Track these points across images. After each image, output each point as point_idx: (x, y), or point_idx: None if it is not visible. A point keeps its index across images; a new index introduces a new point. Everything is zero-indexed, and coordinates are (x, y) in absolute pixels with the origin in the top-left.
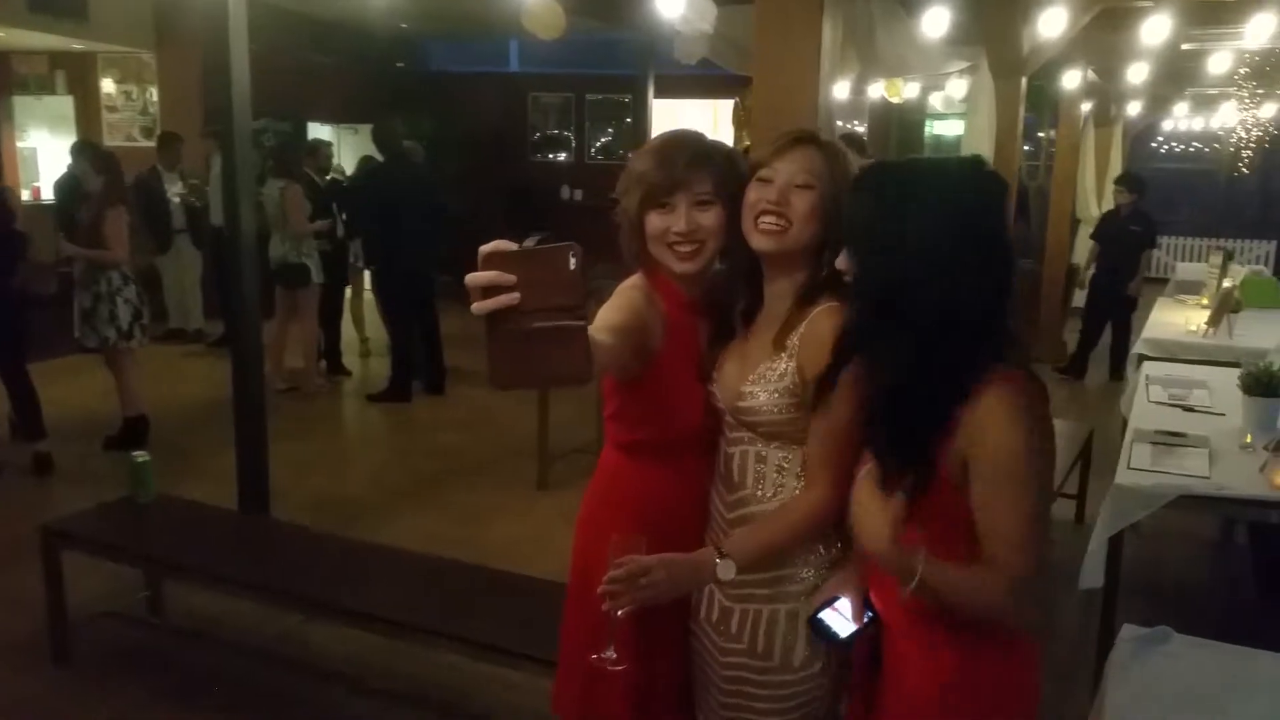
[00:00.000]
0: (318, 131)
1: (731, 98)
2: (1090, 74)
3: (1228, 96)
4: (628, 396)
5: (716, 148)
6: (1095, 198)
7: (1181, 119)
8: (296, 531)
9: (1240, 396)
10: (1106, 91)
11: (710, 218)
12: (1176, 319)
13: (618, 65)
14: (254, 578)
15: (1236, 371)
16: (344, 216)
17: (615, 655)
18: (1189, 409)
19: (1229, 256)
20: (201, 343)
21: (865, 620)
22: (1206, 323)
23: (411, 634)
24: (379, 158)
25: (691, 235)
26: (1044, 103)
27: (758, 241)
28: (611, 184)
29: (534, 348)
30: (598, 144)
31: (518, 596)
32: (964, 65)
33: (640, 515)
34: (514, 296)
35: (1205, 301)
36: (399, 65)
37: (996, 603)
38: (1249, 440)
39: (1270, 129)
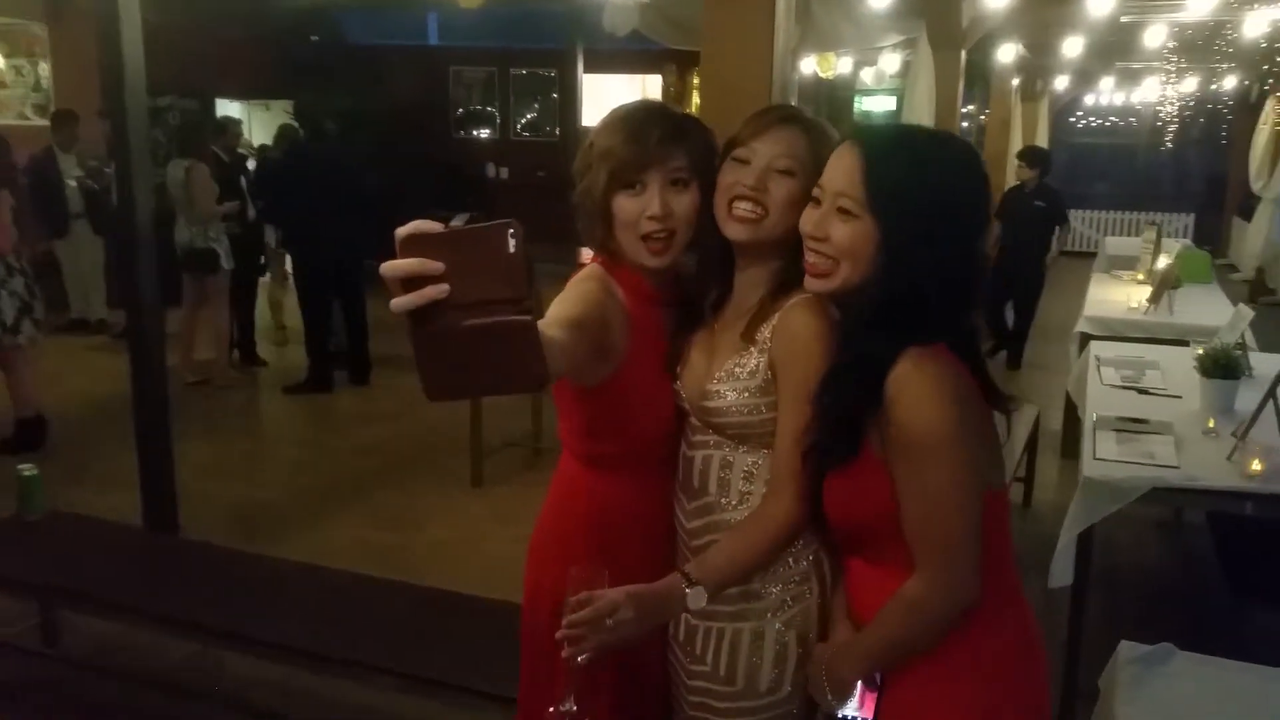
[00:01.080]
0: (227, 109)
1: (663, 73)
2: (1020, 49)
3: (1151, 71)
4: (589, 405)
5: (690, 120)
6: None
7: (1104, 94)
8: (207, 550)
9: (1195, 378)
10: (1034, 66)
11: (685, 201)
12: (1117, 296)
13: (542, 39)
14: (159, 606)
15: (1185, 350)
16: (258, 200)
17: (575, 708)
18: (1144, 391)
19: (1161, 232)
20: (105, 334)
21: (876, 687)
22: (1148, 300)
23: (342, 668)
24: (300, 134)
25: (666, 220)
26: (975, 78)
27: (731, 229)
28: (539, 161)
29: (473, 350)
30: (523, 120)
31: (465, 619)
32: (898, 39)
33: (604, 533)
34: (442, 289)
35: (1141, 277)
36: (313, 38)
37: (936, 621)
38: (1212, 425)
39: (1188, 103)
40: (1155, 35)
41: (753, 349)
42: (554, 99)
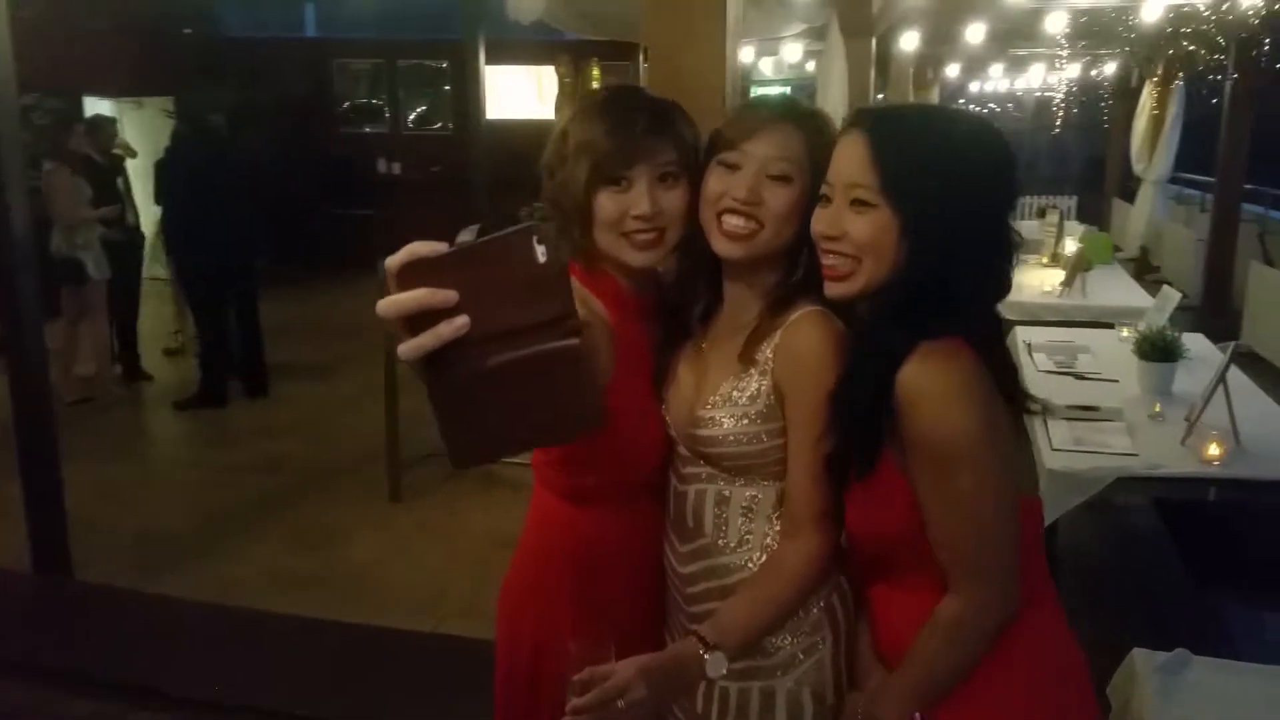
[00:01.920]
0: (97, 107)
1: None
2: (918, 36)
3: (1038, 58)
4: None
5: (675, 108)
6: None
7: (990, 81)
8: (105, 594)
9: (1128, 361)
10: (927, 55)
11: (675, 198)
12: (1030, 280)
13: (430, 29)
14: (53, 661)
15: (1111, 333)
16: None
17: None
18: (1080, 376)
19: (1064, 215)
20: None
21: None
22: (1062, 283)
23: None
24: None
25: (655, 219)
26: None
27: (721, 246)
28: (433, 156)
29: (509, 393)
30: (415, 113)
31: (404, 659)
32: (802, 27)
33: (588, 574)
34: (460, 322)
35: (1046, 260)
36: (185, 31)
37: (978, 641)
38: (1158, 409)
39: (1072, 88)
40: (1056, 21)
41: (753, 371)
42: (446, 91)
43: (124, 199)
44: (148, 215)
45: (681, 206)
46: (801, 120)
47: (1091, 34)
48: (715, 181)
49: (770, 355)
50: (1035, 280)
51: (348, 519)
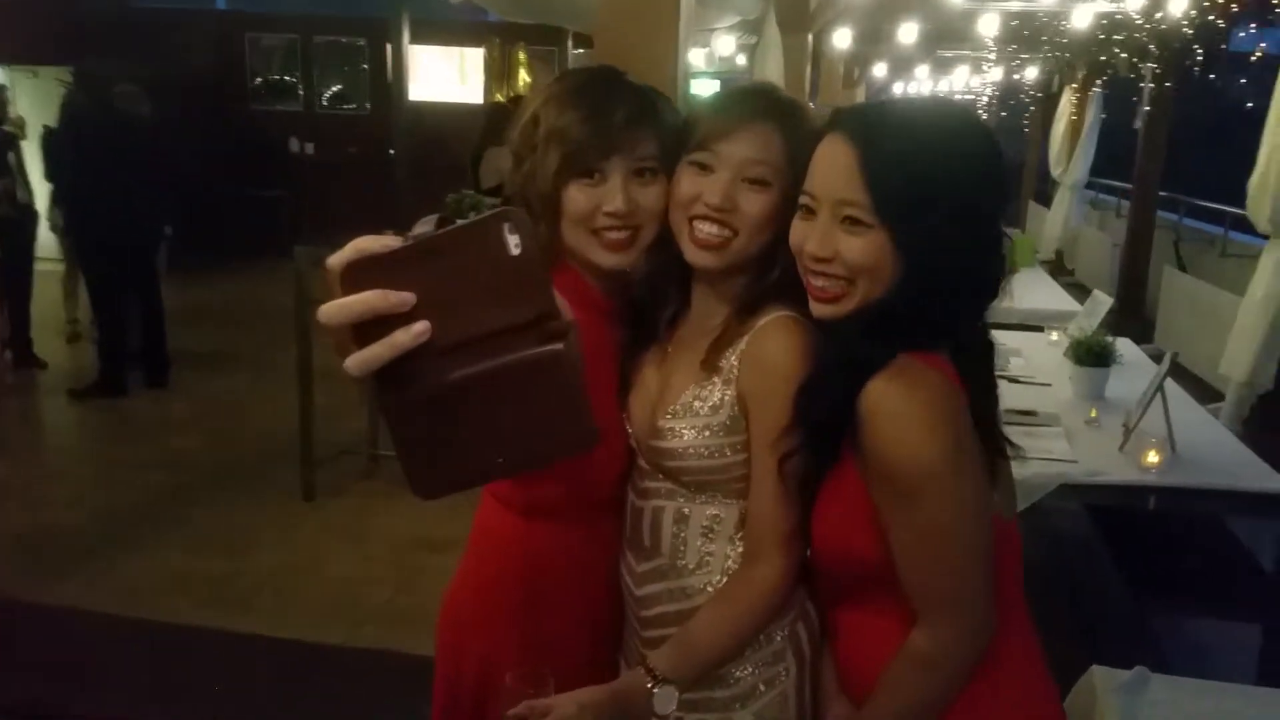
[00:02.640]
0: None
1: (485, 47)
2: (851, 34)
3: (963, 60)
4: None
5: (659, 97)
6: None
7: (914, 82)
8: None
9: (1060, 365)
10: (856, 54)
11: (652, 194)
12: None
13: (349, 5)
14: None
15: (1041, 336)
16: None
17: None
18: (1013, 380)
19: None
20: None
21: None
22: None
23: None
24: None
25: (628, 217)
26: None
27: (693, 255)
28: (349, 136)
29: (481, 409)
30: (330, 92)
31: (329, 676)
32: (736, 20)
33: (538, 592)
34: (418, 328)
35: None
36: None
37: (952, 675)
38: (1094, 415)
39: (995, 92)
40: (989, 23)
41: (716, 380)
42: (364, 70)
43: (15, 174)
44: (42, 191)
45: (658, 204)
46: (781, 118)
47: (1021, 38)
48: (687, 183)
49: (735, 363)
50: None
51: (257, 520)
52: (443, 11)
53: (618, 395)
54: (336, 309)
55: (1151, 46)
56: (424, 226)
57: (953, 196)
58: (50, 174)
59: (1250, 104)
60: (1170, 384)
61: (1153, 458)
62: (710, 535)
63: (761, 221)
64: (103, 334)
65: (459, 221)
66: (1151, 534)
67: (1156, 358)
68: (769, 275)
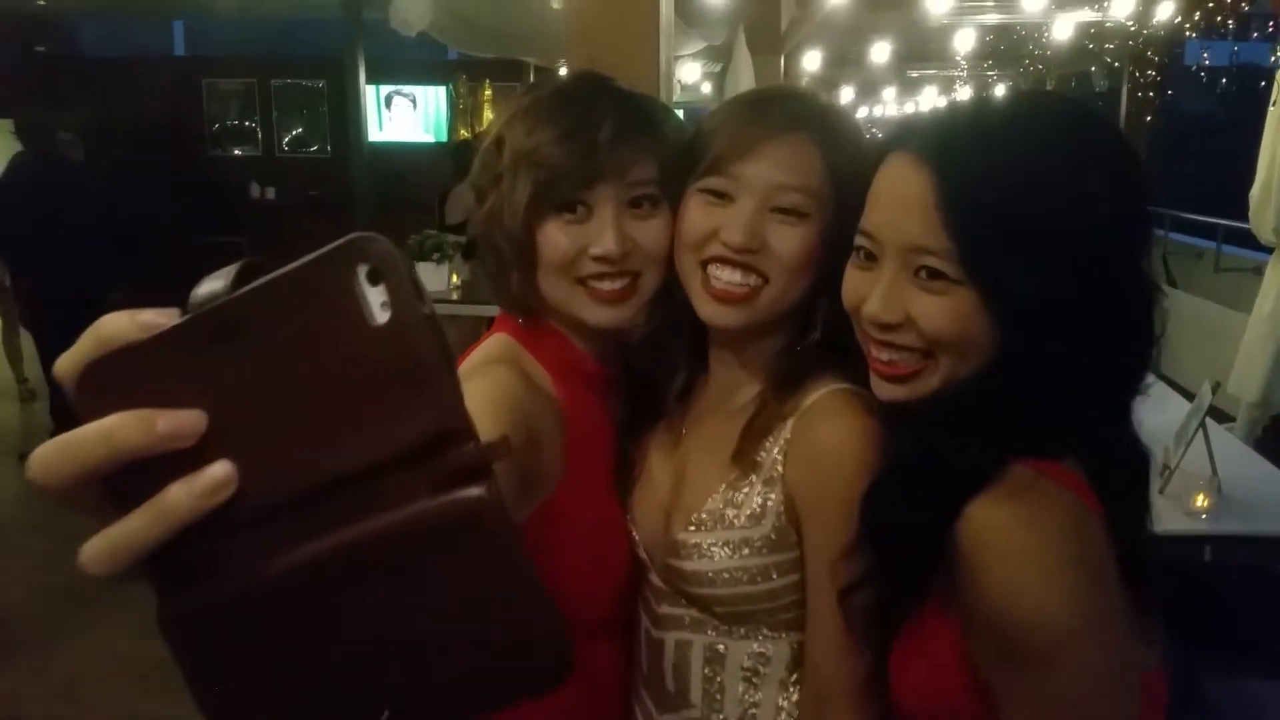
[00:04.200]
0: None
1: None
2: (821, 56)
3: (931, 80)
4: None
5: (656, 105)
6: None
7: (882, 104)
8: None
9: None
10: (822, 76)
11: (653, 231)
12: None
13: (307, 47)
14: None
15: None
16: None
17: None
18: None
19: None
20: None
21: None
22: None
23: None
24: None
25: (623, 260)
26: None
27: (708, 310)
28: (310, 179)
29: (329, 622)
30: (290, 135)
31: None
32: (701, 45)
33: None
34: (211, 479)
35: None
36: (38, 49)
37: None
38: None
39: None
40: (964, 39)
41: (754, 479)
42: (323, 112)
43: None
44: None
45: (661, 243)
46: (819, 128)
47: (996, 53)
48: (698, 217)
49: (779, 457)
50: None
51: None
52: (403, 50)
53: (617, 490)
54: (59, 453)
55: (1150, 53)
56: (214, 284)
57: (1071, 234)
58: None
59: (1212, 115)
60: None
61: (1201, 501)
62: (754, 680)
63: (798, 264)
64: (52, 393)
65: (283, 269)
66: (1199, 585)
67: (1176, 387)
68: (810, 336)
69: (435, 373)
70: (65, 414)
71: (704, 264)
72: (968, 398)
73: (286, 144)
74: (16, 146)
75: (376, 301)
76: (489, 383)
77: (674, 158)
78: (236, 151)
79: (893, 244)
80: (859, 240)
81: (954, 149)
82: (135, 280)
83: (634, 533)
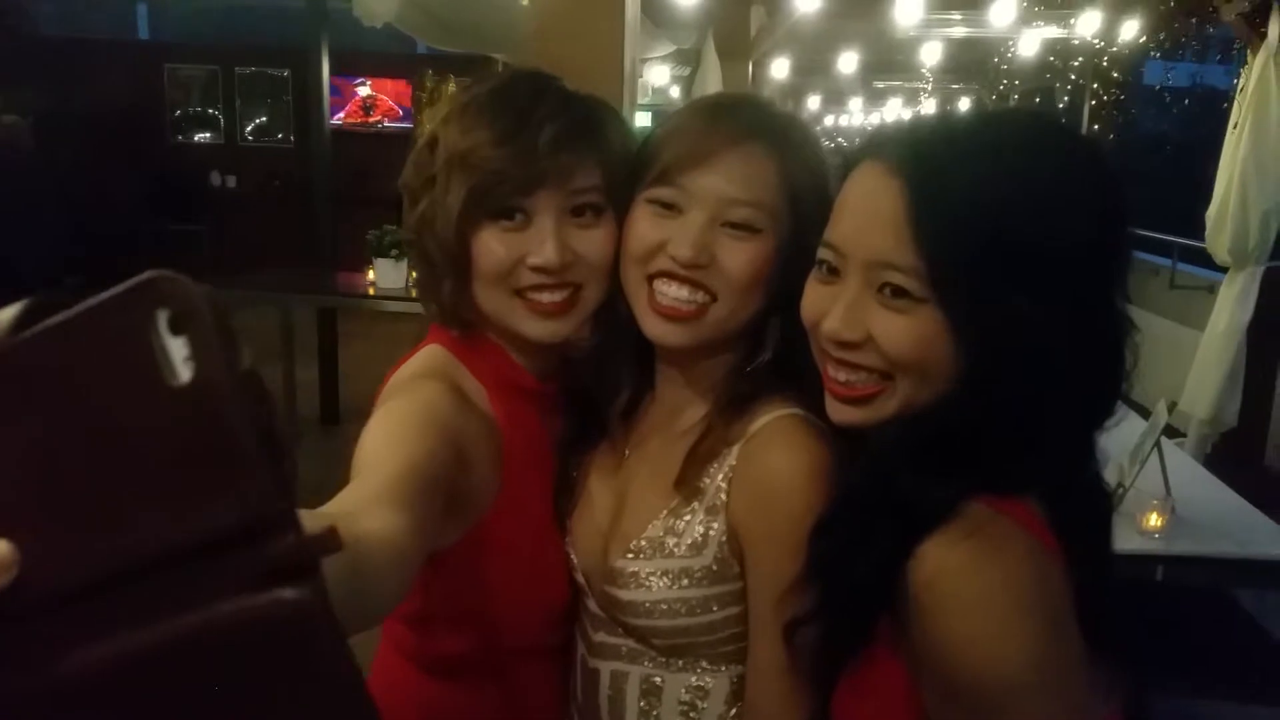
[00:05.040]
0: None
1: (417, 79)
2: (789, 64)
3: (896, 91)
4: (433, 583)
5: (601, 106)
6: None
7: (847, 114)
8: None
9: None
10: (790, 84)
11: (596, 241)
12: None
13: (272, 35)
14: None
15: None
16: None
17: None
18: None
19: None
20: None
21: None
22: None
23: None
24: None
25: (564, 271)
26: None
27: (653, 327)
28: (273, 169)
29: None
30: (253, 124)
31: None
32: (671, 49)
33: None
34: None
35: None
36: None
37: None
38: None
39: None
40: (931, 52)
41: (695, 506)
42: (287, 101)
43: None
44: None
45: (604, 253)
46: (777, 139)
47: (960, 67)
48: (645, 229)
49: (723, 485)
50: None
51: None
52: (370, 42)
53: (556, 511)
54: None
55: (1115, 73)
56: None
57: (1048, 263)
58: None
59: (1171, 135)
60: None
61: (1154, 520)
62: (692, 715)
63: (748, 282)
64: None
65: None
66: (1151, 605)
67: (1129, 403)
68: (760, 356)
69: (244, 447)
70: None
71: (650, 279)
72: (927, 426)
73: (249, 132)
74: None
75: (179, 356)
76: (414, 401)
77: (620, 164)
78: (198, 138)
79: (857, 258)
80: (822, 253)
81: (930, 161)
82: (92, 266)
83: (572, 556)
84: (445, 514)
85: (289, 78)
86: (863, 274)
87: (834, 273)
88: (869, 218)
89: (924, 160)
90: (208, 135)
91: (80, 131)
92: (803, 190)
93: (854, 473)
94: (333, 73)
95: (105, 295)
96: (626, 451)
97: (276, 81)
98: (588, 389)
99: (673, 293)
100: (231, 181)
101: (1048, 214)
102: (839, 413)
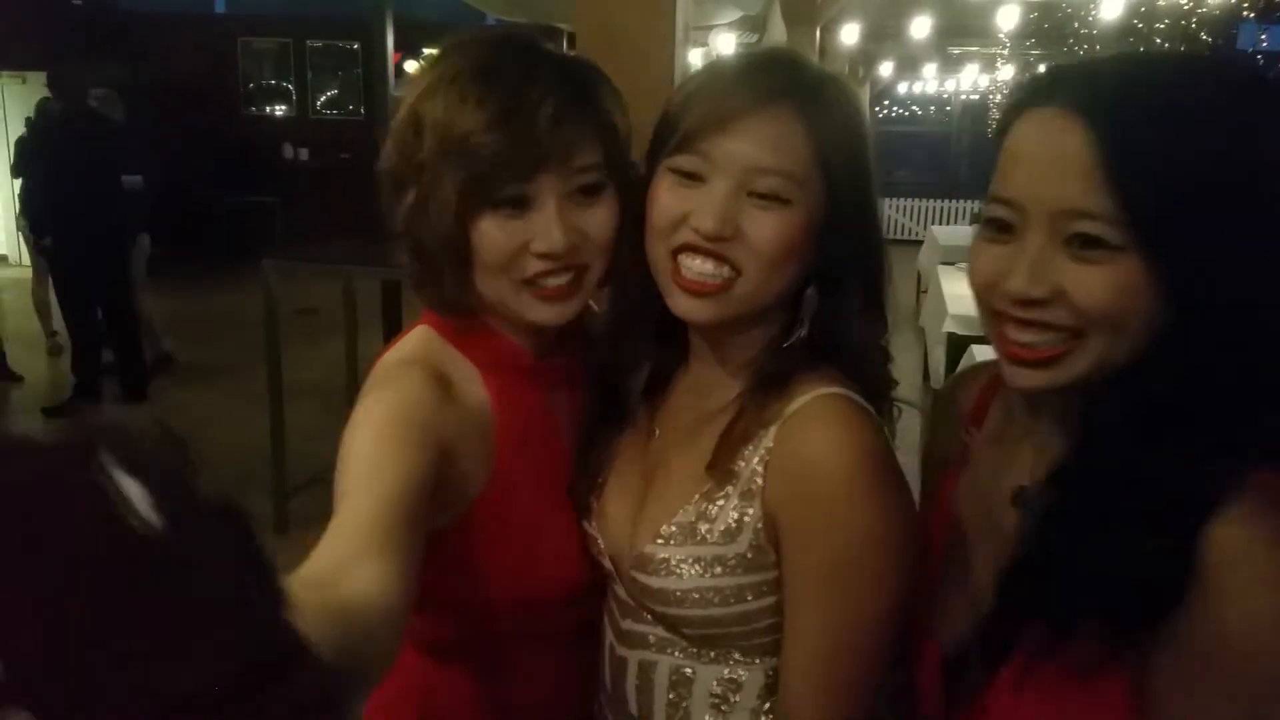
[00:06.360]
0: None
1: None
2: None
3: (972, 57)
4: (427, 567)
5: (594, 73)
6: None
7: (921, 81)
8: None
9: None
10: (861, 52)
11: (600, 220)
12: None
13: (341, 8)
14: None
15: None
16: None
17: None
18: None
19: None
20: None
21: None
22: None
23: None
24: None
25: (570, 255)
26: None
27: (680, 304)
28: (343, 141)
29: None
30: (324, 97)
31: None
32: (736, 15)
33: None
34: None
35: None
36: (74, 2)
37: None
38: None
39: (1005, 90)
40: (1008, 15)
41: (729, 490)
42: (357, 74)
43: None
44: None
45: (608, 232)
46: (809, 99)
47: (1040, 32)
48: (668, 200)
49: (759, 468)
50: None
51: None
52: (438, 14)
53: (573, 490)
54: None
55: (1204, 36)
56: None
57: (1257, 201)
58: (19, 178)
59: None
60: None
61: None
62: (723, 708)
63: (776, 256)
64: (75, 344)
65: None
66: None
67: None
68: (800, 328)
69: (225, 595)
70: (87, 369)
71: (674, 254)
72: (1152, 392)
73: (320, 105)
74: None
75: (137, 502)
76: (394, 403)
77: (619, 135)
78: (270, 111)
79: (1040, 210)
80: (991, 210)
81: (1116, 101)
82: (164, 237)
83: (599, 539)
84: (436, 504)
85: (358, 50)
86: (1048, 226)
87: (1005, 229)
88: (1051, 166)
89: (1108, 100)
90: (280, 108)
91: (158, 104)
92: (837, 155)
93: (1074, 457)
94: (400, 46)
95: (51, 436)
96: (656, 430)
97: (346, 54)
98: (608, 366)
99: (697, 267)
100: (303, 154)
101: (1253, 146)
102: (1020, 378)
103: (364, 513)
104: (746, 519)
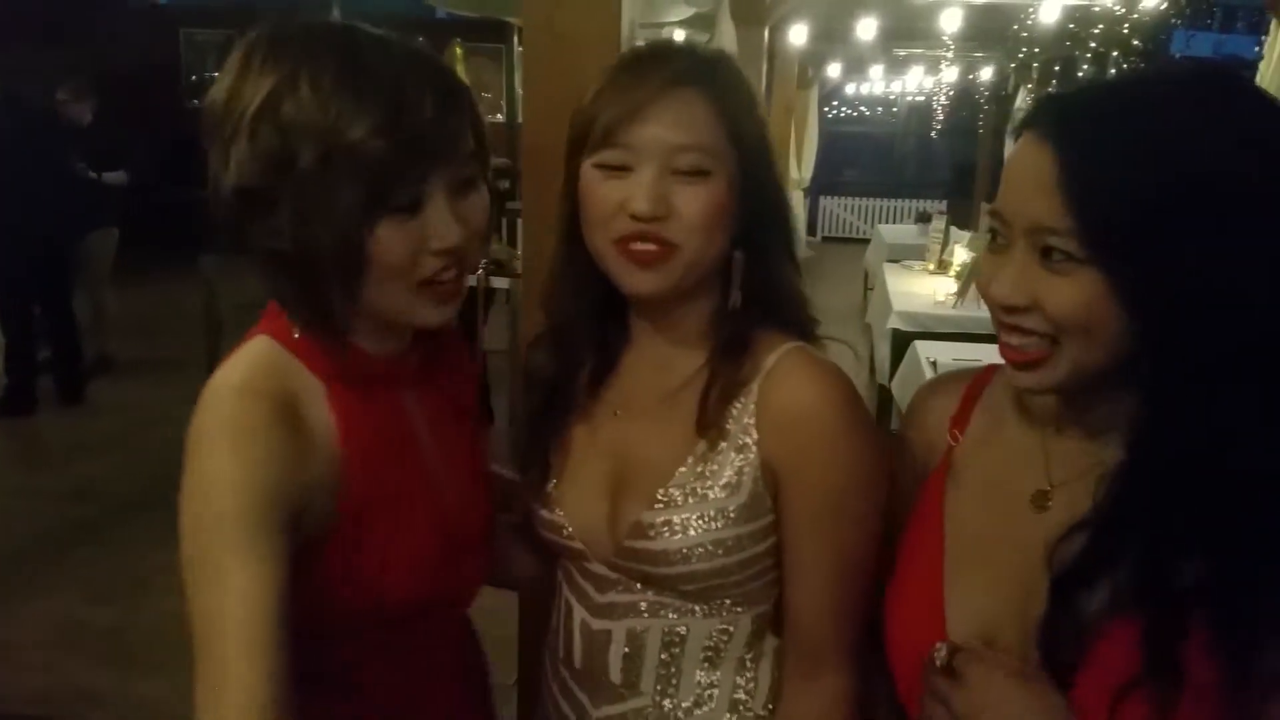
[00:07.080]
0: None
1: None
2: (807, 30)
3: (918, 59)
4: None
5: (432, 50)
6: (796, 163)
7: (868, 82)
8: None
9: None
10: (809, 51)
11: (478, 210)
12: (920, 289)
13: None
14: None
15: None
16: None
17: None
18: None
19: (950, 222)
20: None
21: None
22: (956, 293)
23: None
24: None
25: (460, 249)
26: None
27: (632, 280)
28: None
29: None
30: None
31: None
32: (690, 12)
33: None
34: None
35: (932, 267)
36: None
37: None
38: None
39: (949, 92)
40: (951, 18)
41: (724, 446)
42: None
43: None
44: None
45: (484, 220)
46: (706, 81)
47: (981, 34)
48: (602, 192)
49: (750, 423)
50: (924, 289)
51: (161, 559)
52: (383, 5)
53: (526, 484)
54: None
55: (1137, 41)
56: None
57: (1208, 209)
58: None
59: None
60: None
61: None
62: (714, 660)
63: (708, 223)
64: (9, 343)
65: None
66: None
67: None
68: (733, 295)
69: None
70: (21, 368)
71: (617, 244)
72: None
73: None
74: None
75: None
76: (239, 487)
77: (480, 118)
78: None
79: (1018, 225)
80: (990, 223)
81: (1072, 122)
82: (98, 228)
83: (567, 526)
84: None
85: None
86: (1026, 240)
87: (1003, 242)
88: (1023, 185)
89: (1069, 123)
90: None
91: (99, 95)
92: (742, 126)
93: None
94: None
95: None
96: (616, 412)
97: None
98: (551, 365)
99: (641, 246)
100: None
101: (1210, 150)
102: (1017, 379)
103: (259, 694)
104: (745, 471)
